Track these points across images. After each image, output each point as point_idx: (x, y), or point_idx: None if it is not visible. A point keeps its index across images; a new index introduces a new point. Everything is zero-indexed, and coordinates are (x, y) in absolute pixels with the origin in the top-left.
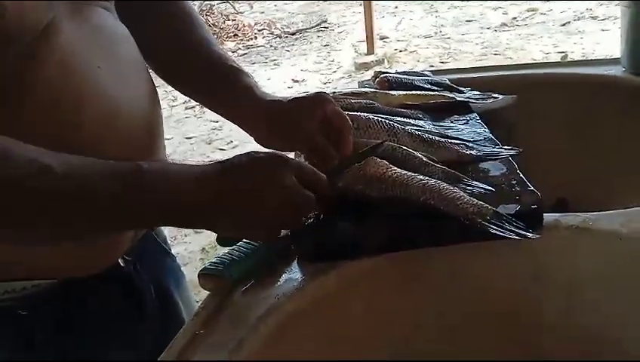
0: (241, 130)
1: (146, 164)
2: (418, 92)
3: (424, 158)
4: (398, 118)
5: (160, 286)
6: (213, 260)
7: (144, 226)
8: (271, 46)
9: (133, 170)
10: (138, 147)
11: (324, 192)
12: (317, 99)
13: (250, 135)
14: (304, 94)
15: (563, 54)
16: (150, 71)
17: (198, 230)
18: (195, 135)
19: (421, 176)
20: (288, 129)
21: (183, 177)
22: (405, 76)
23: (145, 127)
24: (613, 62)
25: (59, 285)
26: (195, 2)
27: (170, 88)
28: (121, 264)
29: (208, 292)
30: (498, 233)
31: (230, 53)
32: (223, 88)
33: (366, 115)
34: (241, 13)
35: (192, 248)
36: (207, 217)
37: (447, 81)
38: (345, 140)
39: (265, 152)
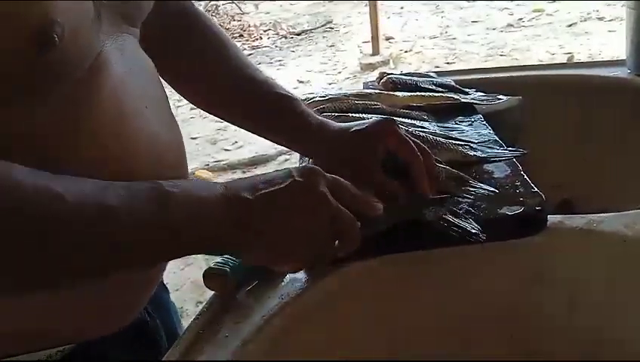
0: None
1: (167, 182)
2: (422, 93)
3: None
4: (403, 120)
5: (168, 328)
6: (218, 260)
7: (171, 252)
8: (276, 46)
9: (152, 188)
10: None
11: (366, 212)
12: (379, 133)
13: None
14: (367, 122)
15: (569, 55)
16: None
17: None
18: (200, 135)
19: None
20: (348, 166)
21: (210, 188)
22: (410, 77)
23: (175, 163)
24: (619, 63)
25: (82, 346)
26: (200, 3)
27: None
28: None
29: (213, 292)
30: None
31: None
32: (278, 119)
33: (370, 116)
34: (246, 13)
35: None
36: (239, 232)
37: (452, 83)
38: (414, 175)
39: (297, 167)
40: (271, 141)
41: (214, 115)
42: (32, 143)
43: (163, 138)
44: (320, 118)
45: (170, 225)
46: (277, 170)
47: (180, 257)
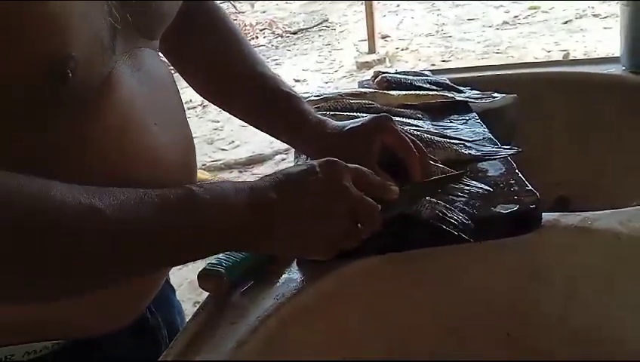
0: (241, 129)
1: (197, 187)
2: (417, 92)
3: None
4: (397, 118)
5: (171, 326)
6: (213, 261)
7: (202, 254)
8: (272, 45)
9: (185, 196)
10: None
11: (388, 197)
12: (374, 130)
13: None
14: (364, 120)
15: (565, 53)
16: None
17: None
18: (197, 135)
19: None
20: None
21: (237, 191)
22: (404, 76)
23: (182, 173)
24: (613, 60)
25: (78, 341)
26: None
27: None
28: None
29: (208, 293)
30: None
31: None
32: (280, 116)
33: (365, 115)
34: (242, 12)
35: None
36: (265, 232)
37: (447, 81)
38: (410, 170)
39: (319, 160)
40: (272, 136)
41: (223, 110)
42: (40, 156)
43: (171, 150)
44: (319, 116)
45: (198, 229)
46: (298, 164)
47: (207, 256)
